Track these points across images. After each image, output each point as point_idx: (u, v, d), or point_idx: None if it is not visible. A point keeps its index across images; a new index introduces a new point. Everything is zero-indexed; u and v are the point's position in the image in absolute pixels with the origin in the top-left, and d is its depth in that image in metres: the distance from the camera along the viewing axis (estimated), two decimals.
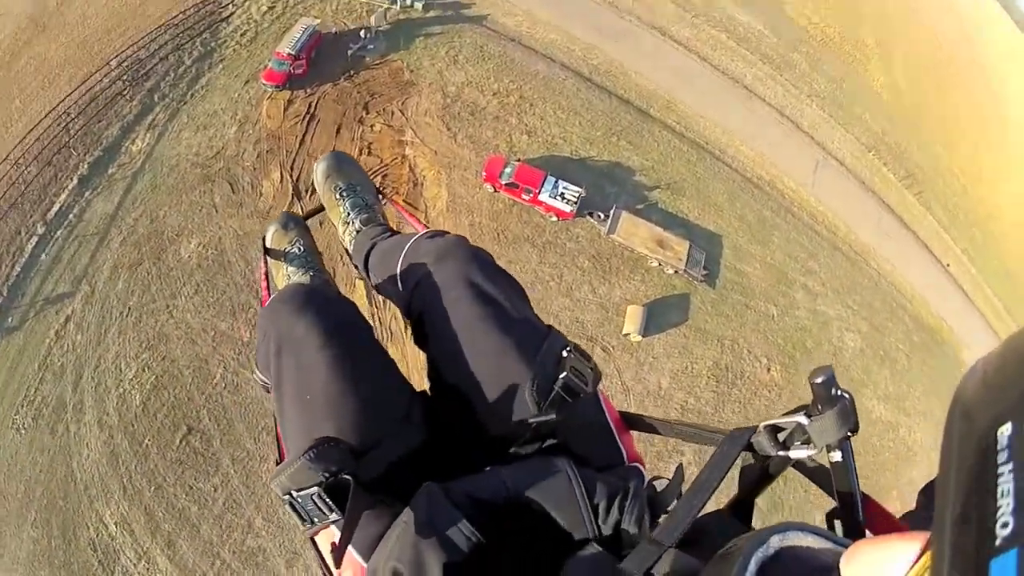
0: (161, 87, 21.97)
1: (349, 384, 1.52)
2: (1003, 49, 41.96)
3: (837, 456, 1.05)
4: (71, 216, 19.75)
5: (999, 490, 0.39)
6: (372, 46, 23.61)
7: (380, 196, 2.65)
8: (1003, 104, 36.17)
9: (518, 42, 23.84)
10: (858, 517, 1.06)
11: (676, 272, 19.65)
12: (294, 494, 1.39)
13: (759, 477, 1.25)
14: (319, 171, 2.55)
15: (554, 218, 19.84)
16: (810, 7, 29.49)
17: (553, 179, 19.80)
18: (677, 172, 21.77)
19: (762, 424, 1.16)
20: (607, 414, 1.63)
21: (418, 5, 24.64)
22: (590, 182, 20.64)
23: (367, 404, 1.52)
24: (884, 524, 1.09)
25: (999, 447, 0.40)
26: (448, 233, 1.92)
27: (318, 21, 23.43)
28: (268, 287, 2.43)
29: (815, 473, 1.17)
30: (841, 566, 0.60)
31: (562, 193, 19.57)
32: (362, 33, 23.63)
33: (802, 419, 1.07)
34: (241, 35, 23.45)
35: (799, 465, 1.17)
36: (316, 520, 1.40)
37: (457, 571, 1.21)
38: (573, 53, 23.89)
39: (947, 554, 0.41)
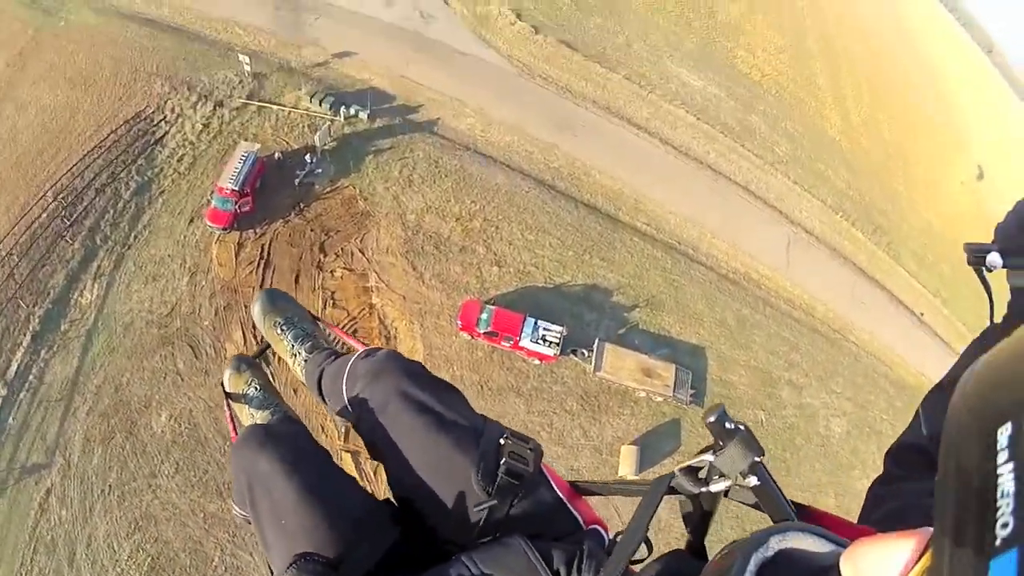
0: (102, 227, 20.60)
1: (316, 506, 1.66)
2: (948, 49, 42.34)
3: (754, 480, 1.12)
4: (31, 378, 18.79)
5: (999, 490, 0.39)
6: (320, 170, 22.24)
7: (317, 322, 2.79)
8: (953, 110, 36.67)
9: (474, 150, 22.77)
10: None
11: (665, 399, 19.35)
12: None
13: (699, 516, 1.32)
14: (256, 311, 2.69)
15: (537, 362, 19.20)
16: (760, 57, 28.98)
17: (532, 321, 19.01)
18: (654, 284, 21.28)
19: (677, 468, 1.24)
20: (556, 487, 1.71)
21: (362, 115, 23.23)
22: (568, 312, 20.02)
23: (334, 519, 1.66)
24: (834, 525, 1.09)
25: (999, 447, 0.41)
26: (380, 349, 2.06)
27: (259, 146, 21.79)
28: (235, 428, 2.51)
29: (748, 499, 1.20)
30: (840, 566, 0.59)
31: (543, 336, 18.83)
32: (307, 156, 22.20)
33: (708, 457, 1.15)
34: (178, 160, 21.88)
35: (732, 495, 1.22)
36: None
37: None
38: (533, 156, 22.94)
39: (947, 554, 0.42)
